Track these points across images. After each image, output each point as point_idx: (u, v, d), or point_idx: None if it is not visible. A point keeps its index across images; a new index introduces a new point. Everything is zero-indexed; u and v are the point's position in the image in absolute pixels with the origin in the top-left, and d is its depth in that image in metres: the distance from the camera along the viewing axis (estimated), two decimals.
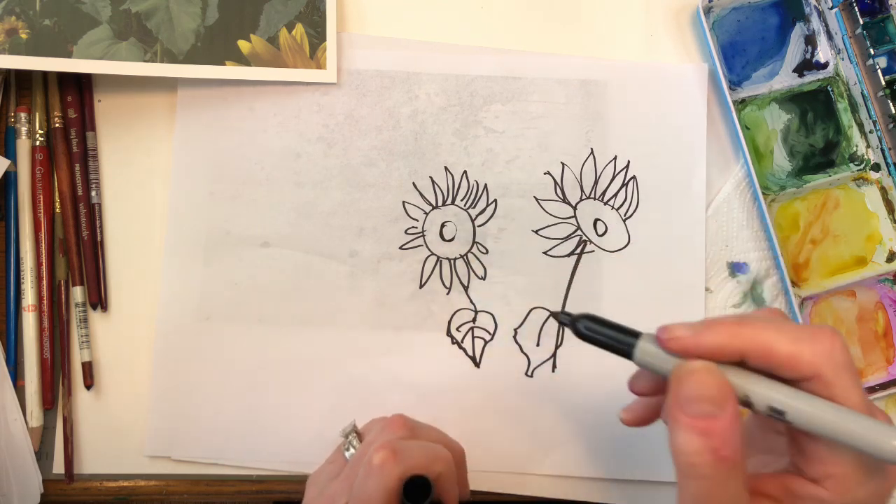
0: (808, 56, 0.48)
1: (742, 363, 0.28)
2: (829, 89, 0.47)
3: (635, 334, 0.30)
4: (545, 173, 0.46)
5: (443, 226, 0.45)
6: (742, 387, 0.28)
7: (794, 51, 0.48)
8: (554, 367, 0.44)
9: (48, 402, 0.43)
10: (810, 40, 0.48)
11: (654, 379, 0.32)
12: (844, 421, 0.26)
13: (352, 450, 0.37)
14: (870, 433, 0.26)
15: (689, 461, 0.27)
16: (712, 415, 0.27)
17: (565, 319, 0.32)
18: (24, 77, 0.45)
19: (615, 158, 0.46)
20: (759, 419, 0.33)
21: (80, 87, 0.45)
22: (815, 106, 0.47)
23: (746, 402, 0.28)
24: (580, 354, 0.44)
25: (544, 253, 0.45)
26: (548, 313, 0.45)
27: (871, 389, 0.45)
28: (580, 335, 0.31)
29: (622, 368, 0.45)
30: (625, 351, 0.30)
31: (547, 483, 0.44)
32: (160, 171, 0.45)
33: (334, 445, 0.40)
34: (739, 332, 0.28)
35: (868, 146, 0.47)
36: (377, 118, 0.46)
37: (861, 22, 0.46)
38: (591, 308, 0.45)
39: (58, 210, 0.44)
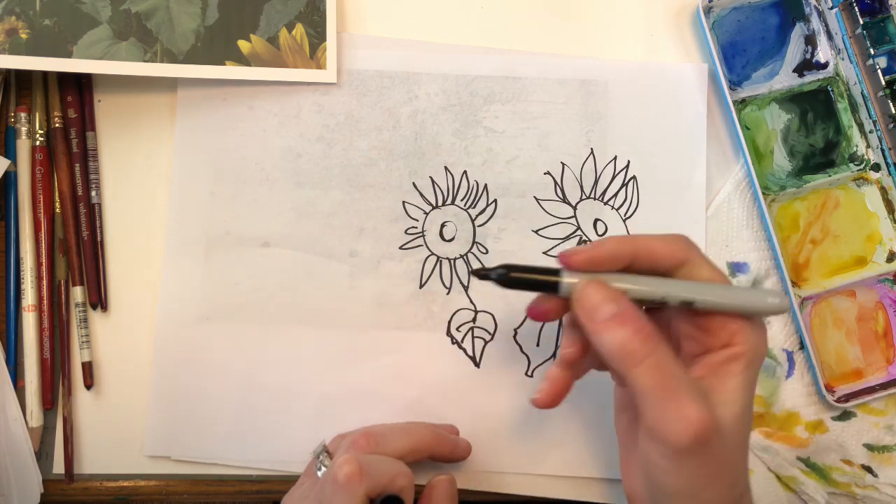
0: (808, 56, 0.48)
1: (628, 269, 0.33)
2: (829, 89, 0.47)
3: (556, 271, 0.34)
4: (545, 173, 0.46)
5: (443, 226, 0.45)
6: (656, 291, 0.33)
7: (794, 51, 0.48)
8: None
9: (48, 402, 0.43)
10: (810, 40, 0.48)
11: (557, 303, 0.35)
12: (732, 295, 0.32)
13: (323, 469, 0.38)
14: (751, 298, 0.32)
15: (624, 352, 0.31)
16: (617, 310, 0.31)
17: (491, 274, 0.34)
18: (24, 77, 0.45)
19: (615, 158, 0.46)
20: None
21: (80, 87, 0.45)
22: (815, 106, 0.47)
23: (662, 302, 0.33)
24: None
25: (544, 253, 0.45)
26: None
27: (872, 389, 0.45)
28: (506, 284, 0.34)
29: None
30: (552, 286, 0.33)
31: (547, 483, 0.44)
32: (160, 171, 0.45)
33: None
34: (625, 241, 0.33)
35: (868, 146, 0.47)
36: (377, 118, 0.46)
37: (861, 22, 0.46)
38: None
39: (58, 210, 0.44)
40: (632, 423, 0.37)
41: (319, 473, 0.38)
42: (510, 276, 0.33)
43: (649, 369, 0.31)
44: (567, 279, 0.33)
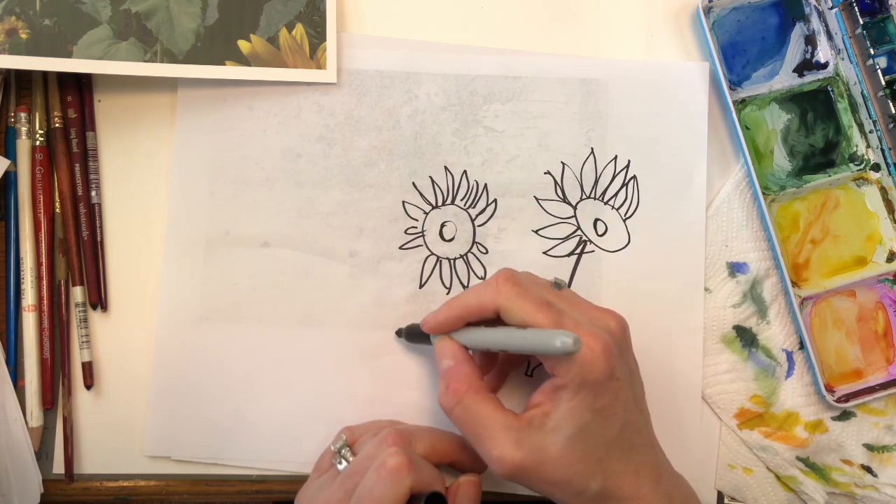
0: (808, 56, 0.48)
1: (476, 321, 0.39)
2: (829, 89, 0.47)
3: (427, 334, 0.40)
4: (545, 173, 0.46)
5: (443, 226, 0.45)
6: (475, 341, 0.38)
7: (794, 51, 0.48)
8: None
9: (48, 402, 0.43)
10: (810, 40, 0.48)
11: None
12: (522, 340, 0.35)
13: (344, 463, 0.38)
14: (539, 341, 0.34)
15: (442, 403, 0.38)
16: (449, 365, 0.38)
17: (400, 333, 0.44)
18: (24, 77, 0.45)
19: (615, 158, 0.46)
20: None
21: (80, 87, 0.45)
22: (815, 106, 0.47)
23: (485, 349, 0.39)
24: None
25: (544, 253, 0.45)
26: None
27: (871, 389, 0.45)
28: (407, 339, 0.43)
29: None
30: (428, 339, 0.41)
31: None
32: (160, 171, 0.45)
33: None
34: (452, 305, 0.39)
35: (868, 146, 0.47)
36: (377, 118, 0.46)
37: (861, 22, 0.46)
38: None
39: (58, 210, 0.44)
40: None
41: (340, 467, 0.38)
42: (405, 334, 0.43)
43: (457, 419, 0.37)
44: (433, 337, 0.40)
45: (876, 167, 0.47)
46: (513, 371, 0.44)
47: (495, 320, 0.38)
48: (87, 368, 0.43)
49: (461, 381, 0.37)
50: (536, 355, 0.38)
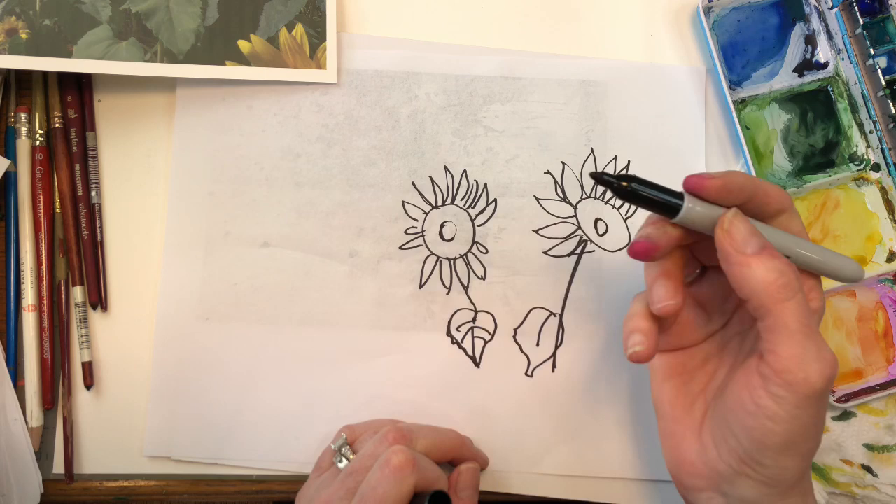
0: (808, 56, 0.48)
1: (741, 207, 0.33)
2: (829, 89, 0.47)
3: (679, 194, 0.33)
4: (545, 172, 0.46)
5: (442, 225, 0.45)
6: (776, 242, 0.33)
7: (794, 51, 0.48)
8: (554, 366, 0.44)
9: (48, 402, 0.43)
10: (810, 40, 0.48)
11: (665, 234, 0.34)
12: (823, 256, 0.33)
13: (344, 461, 0.38)
14: (837, 262, 0.34)
15: (777, 285, 0.30)
16: (763, 244, 0.31)
17: (610, 178, 0.32)
18: (24, 77, 0.45)
19: (615, 158, 0.46)
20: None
21: (80, 87, 0.45)
22: (815, 106, 0.47)
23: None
24: (580, 354, 0.44)
25: (544, 253, 0.45)
26: (548, 313, 0.45)
27: (871, 389, 0.45)
28: (624, 195, 0.32)
29: (621, 368, 0.45)
30: (670, 207, 0.32)
31: (547, 483, 0.44)
32: (160, 171, 0.45)
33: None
34: (749, 178, 0.33)
35: (868, 146, 0.47)
36: (377, 118, 0.46)
37: (861, 22, 0.46)
38: (592, 308, 0.45)
39: (58, 210, 0.44)
40: (682, 389, 0.36)
41: (340, 465, 0.38)
42: (631, 188, 0.32)
43: (798, 306, 0.30)
44: (692, 205, 0.32)
45: (876, 167, 0.47)
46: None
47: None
48: (87, 368, 0.43)
49: (795, 268, 0.32)
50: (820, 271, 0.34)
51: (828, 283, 0.46)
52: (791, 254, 0.33)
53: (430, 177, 0.46)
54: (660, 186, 0.32)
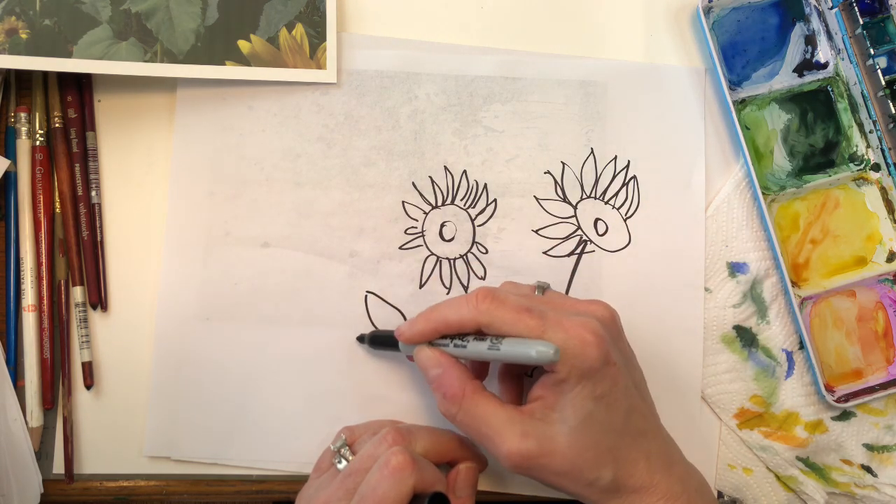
0: (808, 56, 0.48)
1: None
2: (829, 89, 0.47)
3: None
4: (545, 172, 0.46)
5: (442, 226, 0.45)
6: (459, 353, 0.38)
7: (794, 51, 0.48)
8: None
9: (48, 402, 0.43)
10: (810, 40, 0.48)
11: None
12: (508, 351, 0.35)
13: (344, 462, 0.38)
14: (520, 352, 0.35)
15: (442, 409, 0.38)
16: (438, 373, 0.37)
17: (363, 339, 0.44)
18: (24, 77, 0.45)
19: (615, 158, 0.46)
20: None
21: (80, 87, 0.45)
22: (815, 106, 0.47)
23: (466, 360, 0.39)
24: None
25: (544, 253, 0.45)
26: None
27: (871, 389, 0.45)
28: (371, 345, 0.43)
29: None
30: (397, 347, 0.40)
31: None
32: (160, 171, 0.45)
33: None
34: (430, 318, 0.38)
35: (868, 146, 0.47)
36: (377, 118, 0.46)
37: (861, 22, 0.46)
38: None
39: (58, 210, 0.44)
40: None
41: (340, 466, 0.38)
42: (369, 340, 0.43)
43: (461, 423, 0.37)
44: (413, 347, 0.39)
45: (876, 167, 0.47)
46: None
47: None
48: (87, 368, 0.43)
49: (455, 387, 0.37)
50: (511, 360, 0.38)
51: (829, 283, 0.46)
52: (478, 358, 0.37)
53: (430, 177, 0.46)
54: (388, 338, 0.41)
